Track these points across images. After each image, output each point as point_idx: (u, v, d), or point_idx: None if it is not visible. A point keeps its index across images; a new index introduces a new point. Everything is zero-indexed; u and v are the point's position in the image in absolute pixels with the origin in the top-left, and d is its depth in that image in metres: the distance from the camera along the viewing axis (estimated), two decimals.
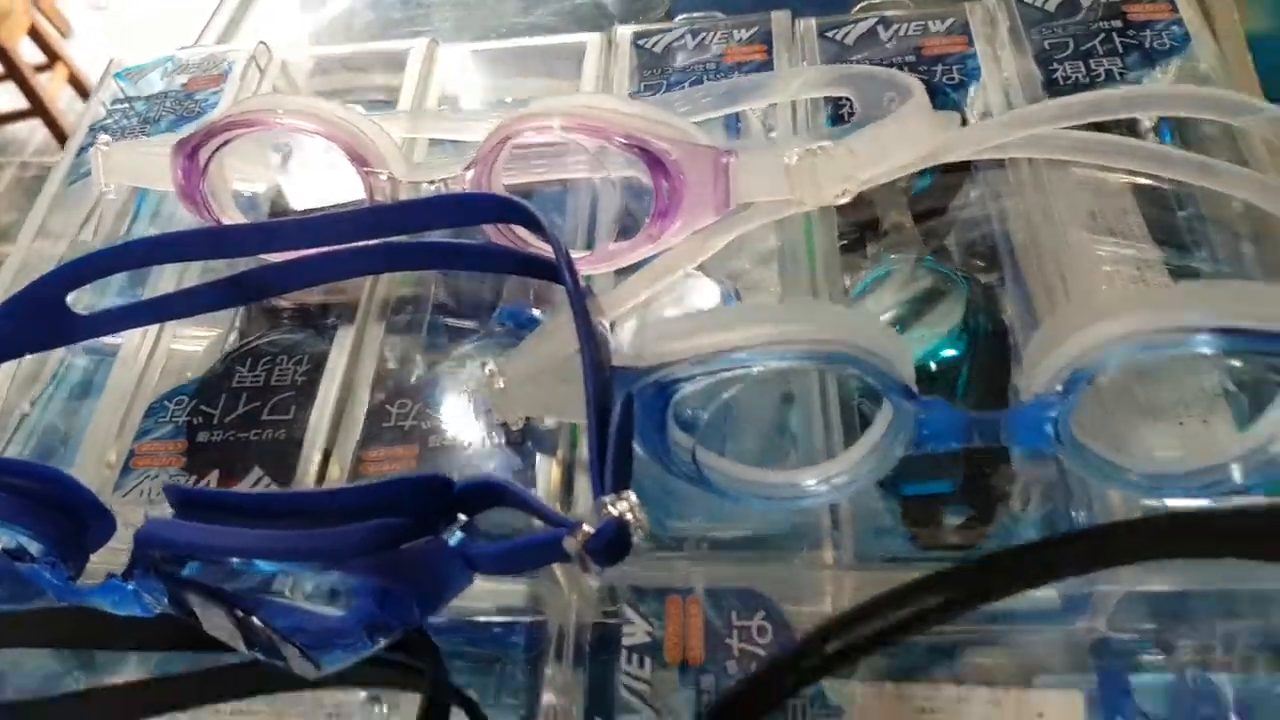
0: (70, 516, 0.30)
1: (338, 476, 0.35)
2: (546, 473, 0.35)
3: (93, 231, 0.46)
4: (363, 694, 0.33)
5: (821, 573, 0.31)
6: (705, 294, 0.40)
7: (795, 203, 0.36)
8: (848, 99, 0.42)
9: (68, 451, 0.41)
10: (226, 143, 0.38)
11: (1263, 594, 0.33)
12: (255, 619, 0.26)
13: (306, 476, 0.35)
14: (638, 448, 0.30)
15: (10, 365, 0.41)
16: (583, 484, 0.35)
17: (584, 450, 0.34)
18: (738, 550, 0.33)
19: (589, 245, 0.39)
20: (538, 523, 0.27)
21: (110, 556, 0.30)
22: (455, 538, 0.27)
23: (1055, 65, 0.42)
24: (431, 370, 0.38)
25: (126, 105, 0.49)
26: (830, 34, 0.45)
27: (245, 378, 0.38)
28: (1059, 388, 0.28)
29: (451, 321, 0.41)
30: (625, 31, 0.47)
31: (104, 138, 0.42)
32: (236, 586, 0.27)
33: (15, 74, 1.71)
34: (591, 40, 0.47)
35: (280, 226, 0.38)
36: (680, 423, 0.31)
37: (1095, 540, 0.27)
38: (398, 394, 0.37)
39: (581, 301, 0.30)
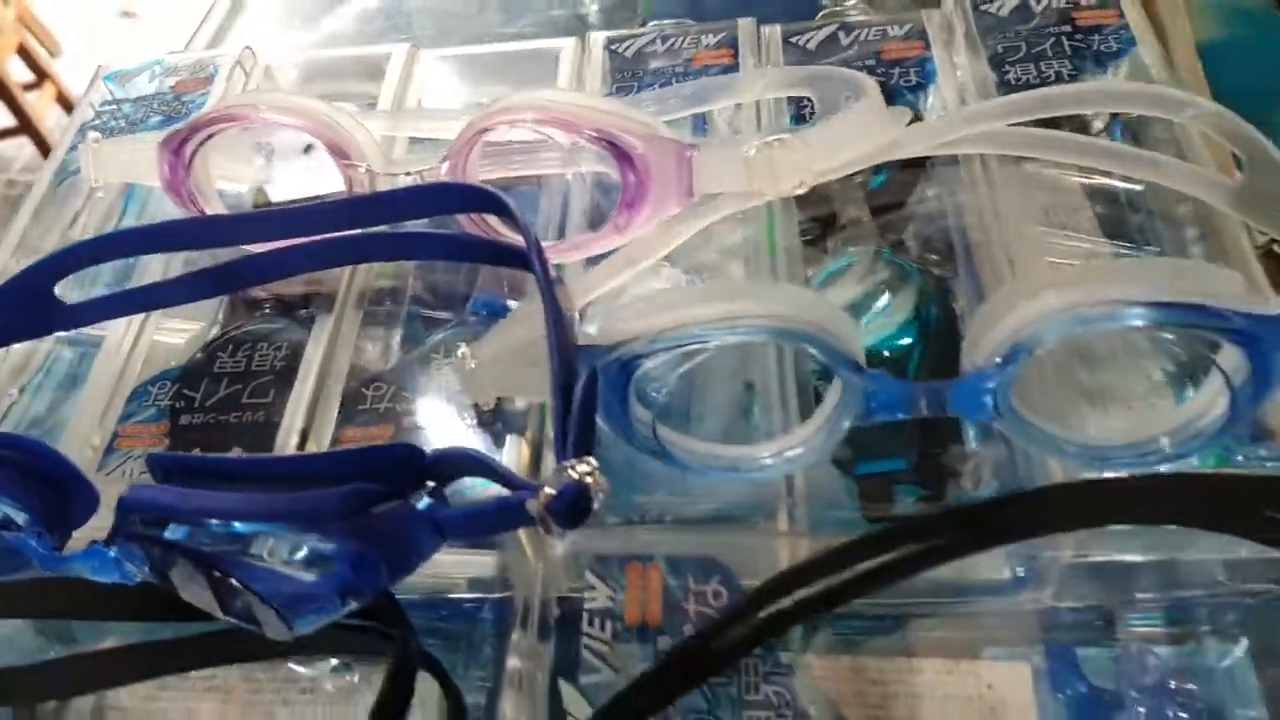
0: (54, 489, 0.32)
1: None
2: (516, 452, 0.36)
3: (80, 229, 0.47)
4: (333, 664, 0.34)
5: (776, 540, 0.32)
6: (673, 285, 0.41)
7: (755, 194, 0.37)
8: (809, 100, 0.44)
9: (53, 439, 0.42)
10: (211, 136, 0.39)
11: (1203, 565, 0.35)
12: (233, 579, 0.27)
13: None
14: (602, 423, 0.32)
15: None
16: (551, 462, 0.36)
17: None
18: (699, 524, 0.34)
19: (561, 237, 0.41)
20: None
21: (93, 534, 0.31)
22: (423, 502, 0.29)
23: (1008, 68, 0.44)
24: (407, 356, 0.40)
25: (115, 107, 0.50)
26: (794, 39, 0.47)
27: (226, 363, 0.39)
28: (998, 360, 0.29)
29: (428, 313, 0.42)
30: (598, 37, 0.49)
31: (93, 134, 0.44)
32: (215, 551, 0.28)
33: (3, 92, 1.72)
34: (566, 45, 0.49)
35: (261, 216, 0.39)
36: (646, 404, 0.33)
37: (1031, 504, 0.29)
38: (373, 378, 0.38)
39: (548, 281, 0.32)
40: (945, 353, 0.38)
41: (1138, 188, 0.42)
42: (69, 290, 0.41)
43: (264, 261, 0.39)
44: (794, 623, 0.29)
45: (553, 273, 0.34)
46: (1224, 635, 0.35)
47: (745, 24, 0.48)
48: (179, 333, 0.44)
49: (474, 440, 0.37)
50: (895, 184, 0.43)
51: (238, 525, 0.27)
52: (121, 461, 0.37)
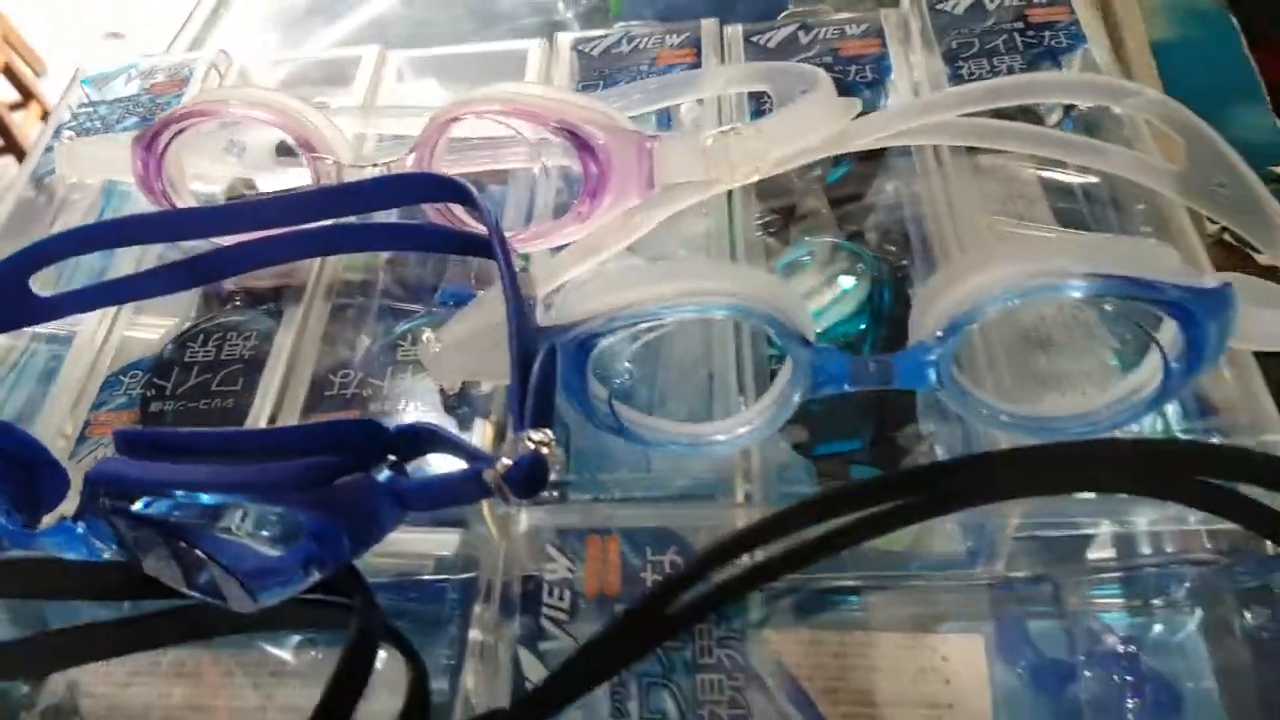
0: (25, 472, 0.32)
1: None
2: (481, 435, 0.37)
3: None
4: (298, 640, 0.35)
5: (732, 512, 0.33)
6: None
7: (713, 182, 0.38)
8: (769, 97, 0.45)
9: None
10: (182, 131, 0.40)
11: (1154, 536, 0.36)
12: (198, 550, 0.28)
13: None
14: (563, 402, 0.33)
15: None
16: None
17: None
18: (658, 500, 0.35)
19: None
20: None
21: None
22: (384, 475, 0.29)
23: (961, 63, 0.45)
24: (374, 344, 0.40)
25: (91, 109, 0.51)
26: (755, 39, 0.48)
27: (197, 353, 0.40)
28: (940, 333, 0.30)
29: (398, 305, 0.43)
30: (566, 37, 0.50)
31: (68, 132, 0.45)
32: (181, 522, 0.29)
33: None
34: (534, 46, 0.50)
35: (229, 208, 0.40)
36: (608, 387, 0.34)
37: (975, 468, 0.29)
38: (341, 366, 0.39)
39: (508, 263, 0.33)
40: (898, 337, 0.39)
41: (1094, 180, 0.43)
42: (45, 289, 0.42)
43: (233, 253, 0.40)
44: (748, 588, 0.30)
45: (516, 260, 0.35)
46: (1175, 607, 0.36)
47: (708, 24, 0.49)
48: (152, 328, 0.45)
49: (441, 424, 0.37)
50: (854, 177, 0.44)
51: (202, 497, 0.28)
52: (93, 449, 0.38)
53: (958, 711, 0.33)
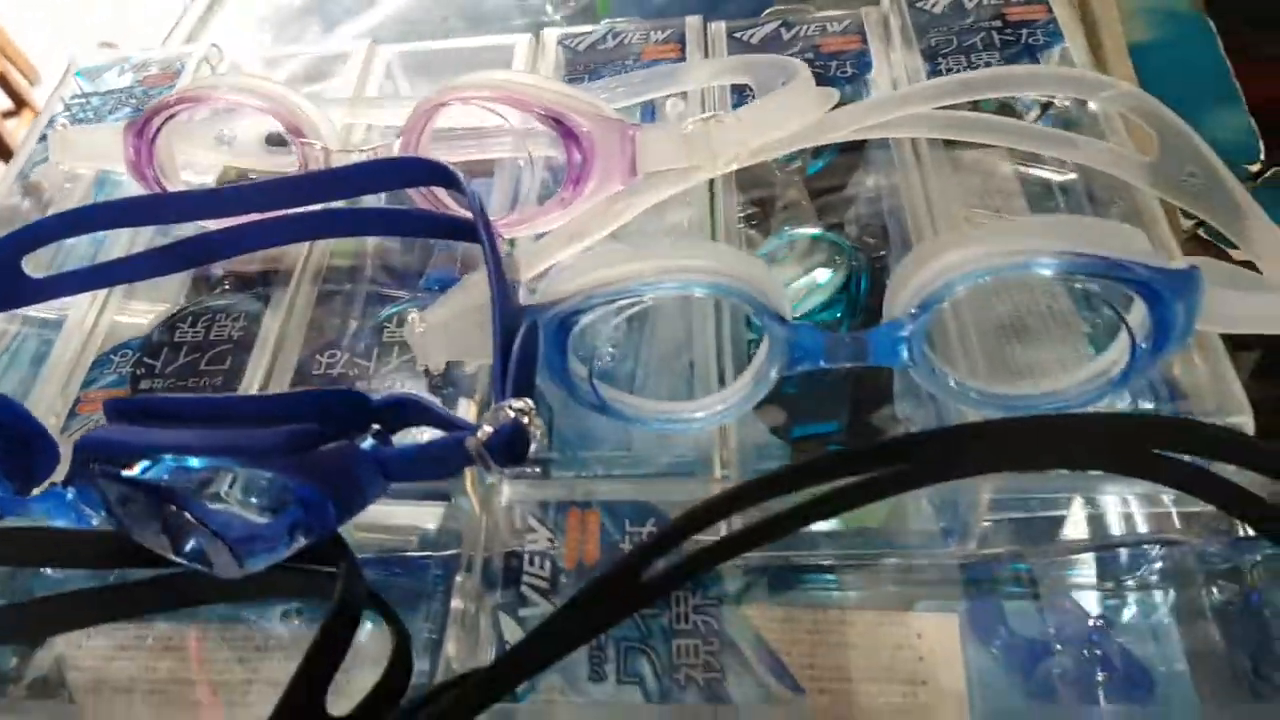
0: (16, 442, 0.33)
1: None
2: (465, 414, 0.38)
3: None
4: (283, 611, 0.35)
5: (711, 487, 0.34)
6: None
7: (695, 170, 0.39)
8: (751, 91, 0.46)
9: None
10: (173, 117, 0.41)
11: (1129, 517, 0.36)
12: (187, 513, 0.29)
13: None
14: (545, 381, 0.34)
15: None
16: None
17: None
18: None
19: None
20: None
21: None
22: (368, 443, 0.30)
23: (940, 60, 0.46)
24: (361, 328, 0.41)
25: (84, 100, 0.52)
26: (738, 35, 0.49)
27: (186, 334, 0.41)
28: (913, 310, 0.31)
29: (384, 291, 0.44)
30: (552, 33, 0.51)
31: (62, 120, 0.45)
32: (170, 486, 0.29)
33: None
34: (520, 40, 0.51)
35: (220, 191, 0.41)
36: (589, 368, 0.34)
37: (946, 439, 0.30)
38: (327, 346, 0.40)
39: (491, 242, 0.34)
40: (873, 325, 0.40)
41: (1071, 176, 0.44)
42: (39, 275, 0.43)
43: (222, 237, 0.41)
44: (723, 557, 0.30)
45: (501, 244, 0.35)
46: (1147, 589, 0.37)
47: (693, 20, 0.50)
48: (142, 314, 0.45)
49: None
50: (833, 169, 0.45)
51: (190, 460, 0.28)
52: (83, 426, 0.38)
53: (932, 688, 0.34)
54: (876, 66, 0.47)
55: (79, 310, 0.44)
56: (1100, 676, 0.34)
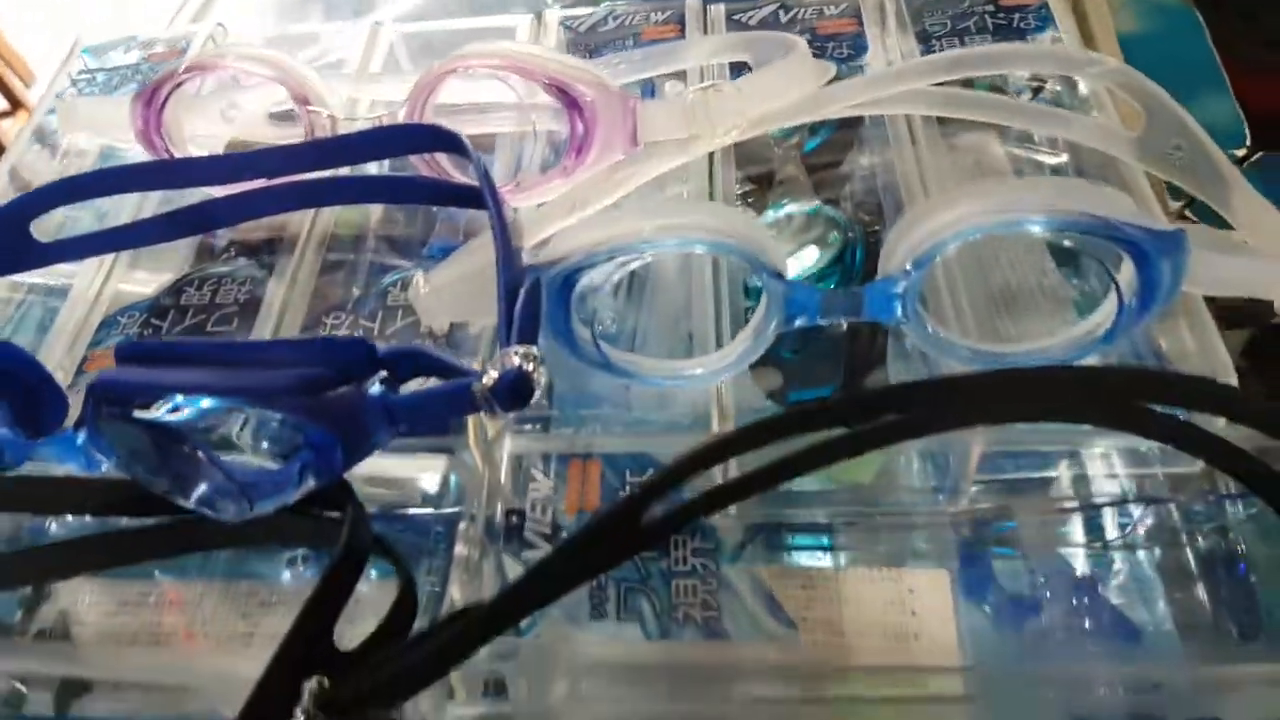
0: (25, 391, 0.33)
1: None
2: None
3: None
4: (285, 572, 0.36)
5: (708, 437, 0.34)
6: None
7: (694, 139, 0.40)
8: (749, 68, 0.47)
9: None
10: (180, 85, 0.42)
11: (1115, 478, 0.37)
12: (199, 453, 0.29)
13: None
14: (548, 340, 0.34)
15: None
16: None
17: None
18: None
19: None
20: None
21: None
22: (376, 389, 0.31)
23: (934, 43, 0.48)
24: (364, 293, 0.42)
25: (90, 76, 0.52)
26: (736, 17, 0.50)
27: (193, 297, 0.41)
28: (907, 266, 0.32)
29: (387, 261, 0.45)
30: (554, 13, 0.52)
31: (70, 91, 0.46)
32: (181, 427, 0.30)
33: None
34: (522, 21, 0.51)
35: (227, 157, 0.42)
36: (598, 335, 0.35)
37: (935, 390, 0.31)
38: (332, 309, 0.40)
39: (496, 201, 0.34)
40: None
41: (1063, 159, 0.45)
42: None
43: (227, 204, 0.42)
44: (720, 504, 0.31)
45: (506, 209, 0.36)
46: (1133, 548, 0.37)
47: (692, 2, 0.51)
48: (146, 283, 0.46)
49: None
50: (830, 145, 0.46)
51: (201, 400, 0.29)
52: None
53: (924, 642, 0.35)
54: (872, 49, 0.48)
55: (84, 278, 0.44)
56: (1088, 629, 0.35)
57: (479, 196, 0.39)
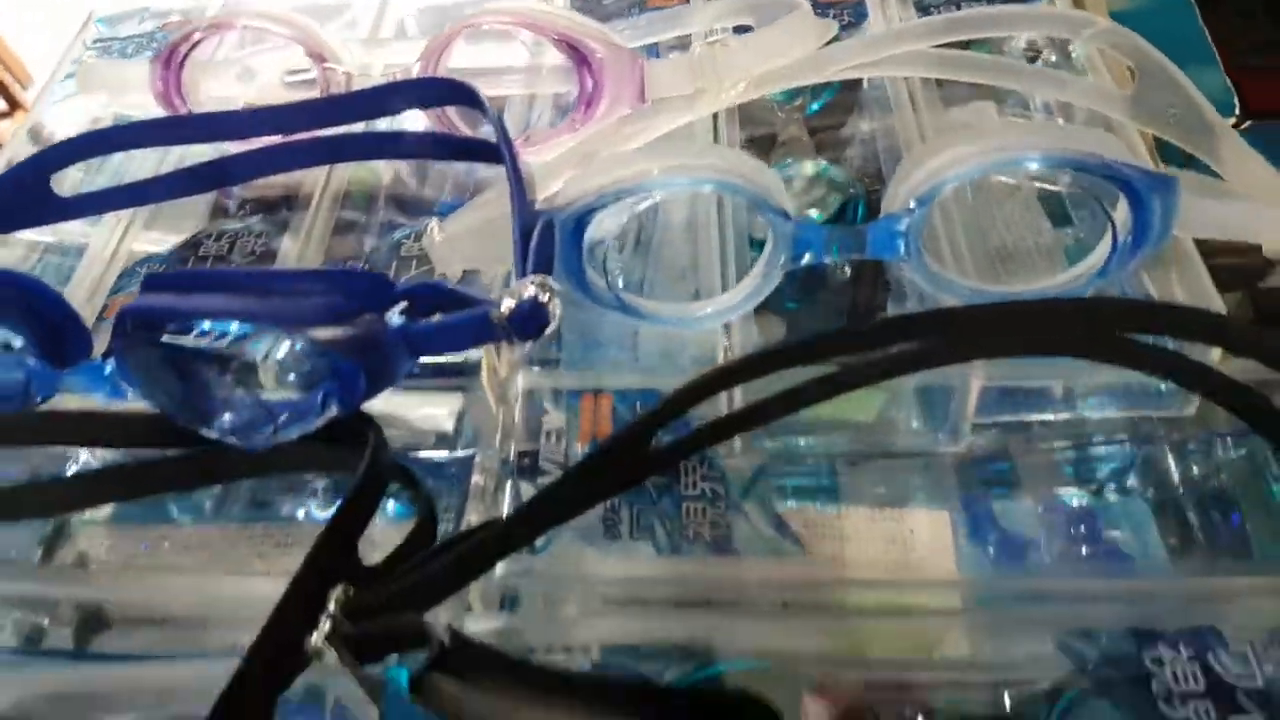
0: (51, 328, 0.34)
1: None
2: None
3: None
4: (301, 514, 0.37)
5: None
6: None
7: (701, 94, 0.41)
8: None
9: None
10: (198, 44, 0.43)
11: (1109, 421, 0.38)
12: (227, 375, 0.30)
13: None
14: (560, 282, 0.35)
15: None
16: None
17: None
18: None
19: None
20: None
21: None
22: (396, 319, 0.32)
23: (932, 11, 0.49)
24: (377, 247, 0.43)
25: (105, 44, 0.54)
26: None
27: (210, 249, 0.42)
28: (911, 204, 0.33)
29: (398, 220, 0.46)
30: None
31: (88, 54, 0.47)
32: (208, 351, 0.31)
33: None
34: None
35: (243, 112, 0.43)
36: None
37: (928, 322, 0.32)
38: (348, 258, 0.41)
39: (509, 147, 0.35)
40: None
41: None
42: None
43: (244, 160, 0.43)
44: (726, 434, 0.32)
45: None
46: (1127, 489, 0.38)
47: None
48: (162, 242, 0.47)
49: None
50: (832, 108, 0.48)
51: (229, 325, 0.30)
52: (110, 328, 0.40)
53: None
54: (872, 15, 0.49)
55: (100, 236, 0.45)
56: (1086, 560, 0.36)
57: (492, 150, 0.40)
